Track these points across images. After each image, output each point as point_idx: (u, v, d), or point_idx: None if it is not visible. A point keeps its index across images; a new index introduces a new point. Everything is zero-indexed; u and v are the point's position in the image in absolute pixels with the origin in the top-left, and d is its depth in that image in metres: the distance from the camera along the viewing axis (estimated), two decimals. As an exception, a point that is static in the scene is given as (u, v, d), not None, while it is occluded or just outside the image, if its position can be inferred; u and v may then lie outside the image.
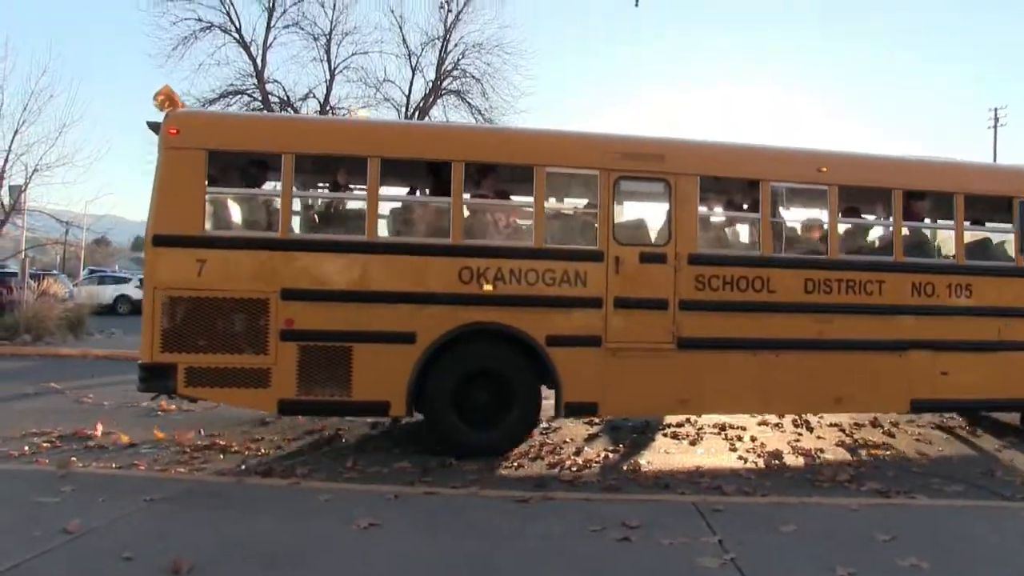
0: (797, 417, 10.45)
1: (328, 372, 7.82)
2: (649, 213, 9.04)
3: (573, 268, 8.28)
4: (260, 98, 20.49)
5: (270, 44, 20.73)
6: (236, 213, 8.38)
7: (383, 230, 8.36)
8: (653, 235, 8.84)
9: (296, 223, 8.59)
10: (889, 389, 8.90)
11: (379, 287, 8.00)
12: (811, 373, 8.73)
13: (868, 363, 8.82)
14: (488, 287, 8.10)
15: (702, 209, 8.92)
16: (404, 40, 21.60)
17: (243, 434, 8.94)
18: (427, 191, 8.98)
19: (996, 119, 51.95)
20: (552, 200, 8.91)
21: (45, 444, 8.10)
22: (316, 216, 8.90)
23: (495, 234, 8.62)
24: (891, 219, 9.21)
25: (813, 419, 10.51)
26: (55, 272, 34.33)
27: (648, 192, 8.86)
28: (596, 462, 8.00)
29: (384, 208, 8.44)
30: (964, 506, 6.48)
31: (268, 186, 8.68)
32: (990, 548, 5.26)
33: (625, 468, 7.75)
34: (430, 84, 21.42)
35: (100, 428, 8.78)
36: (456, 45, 21.41)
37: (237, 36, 20.51)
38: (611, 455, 8.36)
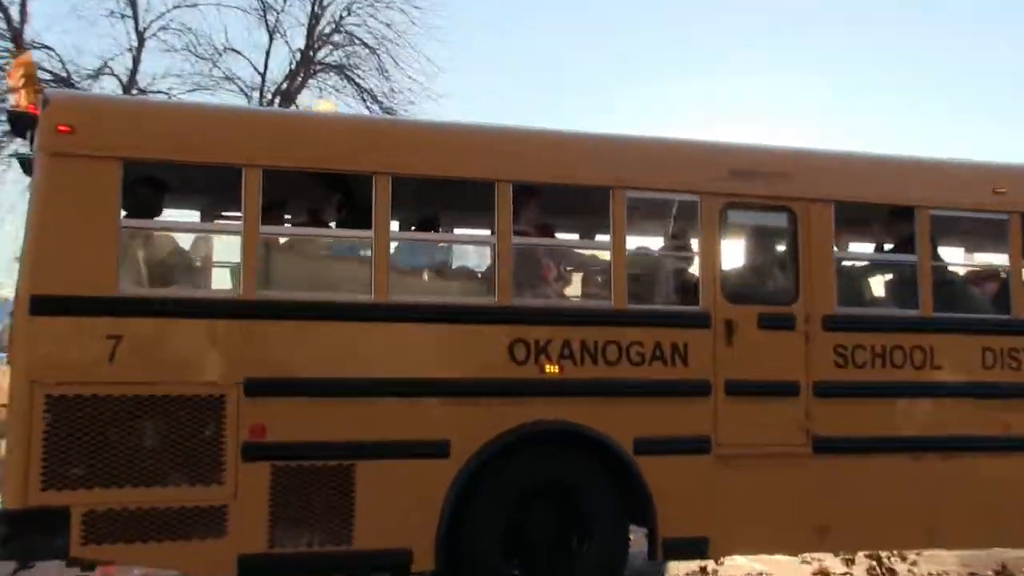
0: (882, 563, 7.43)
1: (318, 508, 5.26)
2: (765, 256, 6.72)
3: (669, 338, 5.86)
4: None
5: None
6: (166, 260, 5.70)
7: (395, 284, 5.67)
8: (772, 288, 6.53)
9: (266, 274, 5.65)
10: None
11: (394, 372, 5.45)
12: (996, 487, 6.29)
13: None
14: (552, 368, 5.64)
15: (837, 250, 6.56)
16: None
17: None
18: (446, 225, 6.74)
19: None
20: (633, 238, 6.35)
21: None
22: (294, 263, 6.02)
23: (547, 289, 6.20)
24: None
25: (901, 566, 7.33)
26: None
27: (765, 226, 6.53)
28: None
29: (395, 250, 5.89)
30: None
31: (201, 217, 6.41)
32: None
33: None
34: (298, 55, 15.33)
35: None
36: None
37: None
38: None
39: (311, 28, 15.16)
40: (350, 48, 15.61)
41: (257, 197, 5.29)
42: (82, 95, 5.52)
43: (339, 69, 15.64)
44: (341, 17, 15.17)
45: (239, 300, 5.32)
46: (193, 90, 15.62)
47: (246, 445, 5.18)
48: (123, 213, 5.25)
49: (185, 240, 5.93)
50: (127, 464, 5.02)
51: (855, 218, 6.82)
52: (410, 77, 15.45)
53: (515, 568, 5.72)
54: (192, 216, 6.11)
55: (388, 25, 15.21)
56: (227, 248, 5.77)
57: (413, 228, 6.68)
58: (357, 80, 15.51)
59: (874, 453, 6.21)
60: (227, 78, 15.53)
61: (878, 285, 7.14)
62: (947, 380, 6.33)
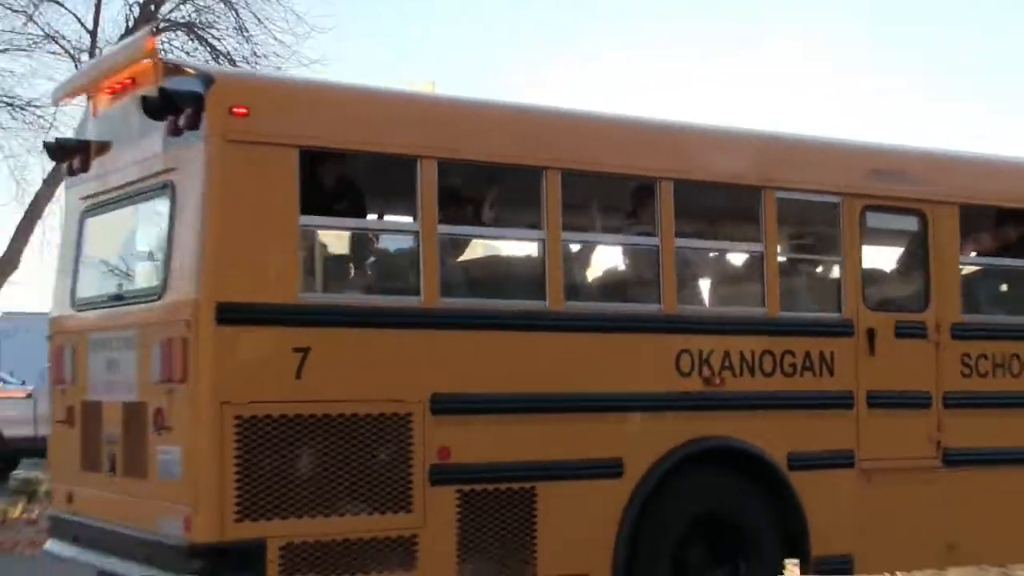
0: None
1: (501, 538, 5.00)
2: (899, 261, 6.75)
3: (817, 347, 5.79)
4: None
5: None
6: (343, 263, 5.49)
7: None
8: (906, 295, 6.55)
9: (437, 282, 5.16)
10: None
11: (575, 386, 5.24)
12: None
13: None
14: (717, 380, 5.55)
15: (962, 255, 6.67)
16: None
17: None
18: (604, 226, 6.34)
19: None
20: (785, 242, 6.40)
21: None
22: (470, 268, 5.74)
23: (705, 296, 6.28)
24: None
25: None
26: None
27: (898, 229, 6.51)
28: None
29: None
30: None
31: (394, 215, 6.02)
32: None
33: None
34: (136, 10, 13.05)
35: None
36: None
37: None
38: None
39: None
40: (201, 2, 13.65)
41: (434, 192, 4.92)
42: (250, 73, 4.64)
43: (188, 27, 13.54)
44: None
45: (424, 308, 4.92)
46: (3, 50, 13.57)
47: (433, 468, 4.85)
48: (301, 209, 4.73)
49: (367, 240, 5.58)
50: (319, 491, 4.64)
51: (975, 221, 6.85)
52: (276, 39, 13.40)
53: None
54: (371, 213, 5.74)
55: None
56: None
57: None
58: (211, 41, 13.44)
59: (1001, 466, 6.28)
60: (48, 36, 13.56)
61: (993, 290, 7.27)
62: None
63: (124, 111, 5.48)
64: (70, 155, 6.06)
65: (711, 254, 6.45)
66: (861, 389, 5.89)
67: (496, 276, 5.90)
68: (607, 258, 6.22)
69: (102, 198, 5.86)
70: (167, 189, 4.97)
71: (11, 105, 13.31)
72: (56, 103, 7.64)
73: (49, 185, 13.24)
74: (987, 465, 6.25)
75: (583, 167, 5.46)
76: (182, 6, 13.61)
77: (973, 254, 7.08)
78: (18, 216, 13.89)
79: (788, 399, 5.72)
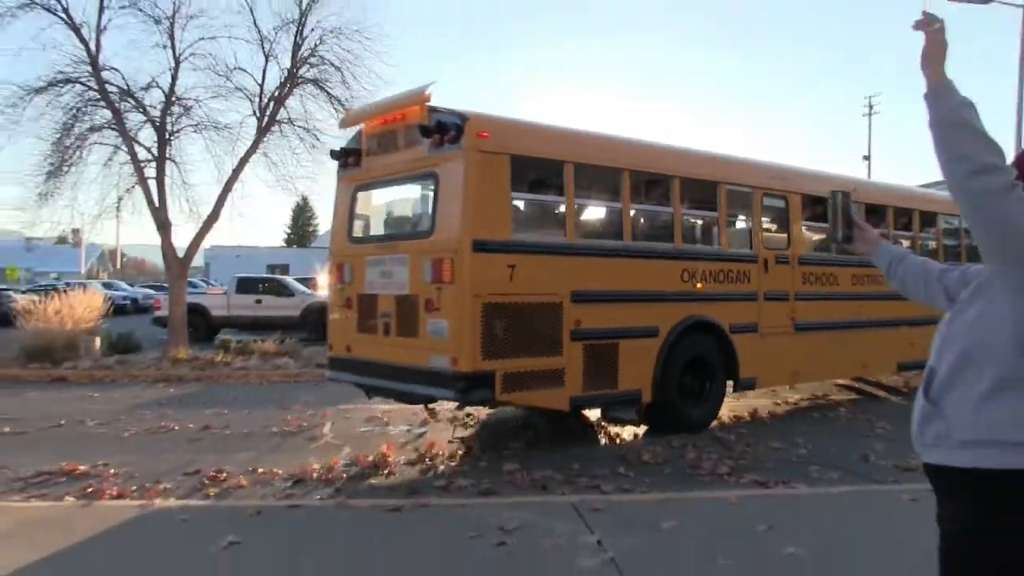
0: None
1: (603, 368, 8.57)
2: (775, 223, 11.49)
3: (742, 268, 10.43)
4: (96, 87, 18.49)
5: (104, 27, 18.55)
6: (530, 218, 8.84)
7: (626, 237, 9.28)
8: (780, 241, 11.05)
9: (583, 228, 9.22)
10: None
11: (637, 287, 9.04)
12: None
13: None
14: (699, 285, 9.85)
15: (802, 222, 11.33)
16: (255, 24, 19.55)
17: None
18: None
19: (871, 107, 53.79)
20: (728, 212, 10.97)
21: None
22: (588, 222, 9.58)
23: (693, 239, 10.82)
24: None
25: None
26: None
27: (775, 206, 11.27)
28: (471, 465, 7.95)
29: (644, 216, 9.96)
30: (841, 492, 6.70)
31: (547, 193, 9.13)
32: (867, 533, 5.40)
33: (501, 470, 7.59)
34: (286, 72, 19.46)
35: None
36: (312, 30, 19.47)
37: (65, 16, 18.16)
38: (486, 457, 8.28)
39: (295, 53, 19.21)
40: (322, 67, 19.51)
41: (572, 182, 8.66)
42: (486, 114, 8.34)
43: (314, 82, 19.55)
44: (315, 45, 19.34)
45: (568, 244, 8.62)
46: (213, 97, 19.59)
47: (572, 332, 8.30)
48: (511, 188, 8.20)
49: (536, 205, 9.17)
50: (519, 343, 7.95)
51: (808, 203, 11.28)
52: (364, 87, 19.21)
53: (684, 401, 9.45)
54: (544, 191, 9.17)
55: (348, 51, 19.30)
56: (555, 213, 9.14)
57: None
58: (327, 89, 19.48)
59: (821, 330, 10.94)
60: (237, 88, 19.44)
61: (812, 240, 11.75)
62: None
63: (393, 132, 8.94)
64: (347, 156, 9.66)
65: (697, 218, 10.49)
66: (761, 291, 10.20)
67: (599, 225, 9.62)
68: (649, 217, 9.94)
69: (369, 181, 9.58)
70: (432, 177, 8.39)
71: (215, 128, 19.45)
72: (342, 127, 10.24)
73: (236, 172, 19.15)
74: (814, 330, 10.73)
75: (640, 168, 9.39)
76: (311, 69, 19.40)
77: (807, 220, 11.16)
78: (217, 190, 19.45)
79: (730, 296, 9.93)
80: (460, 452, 8.54)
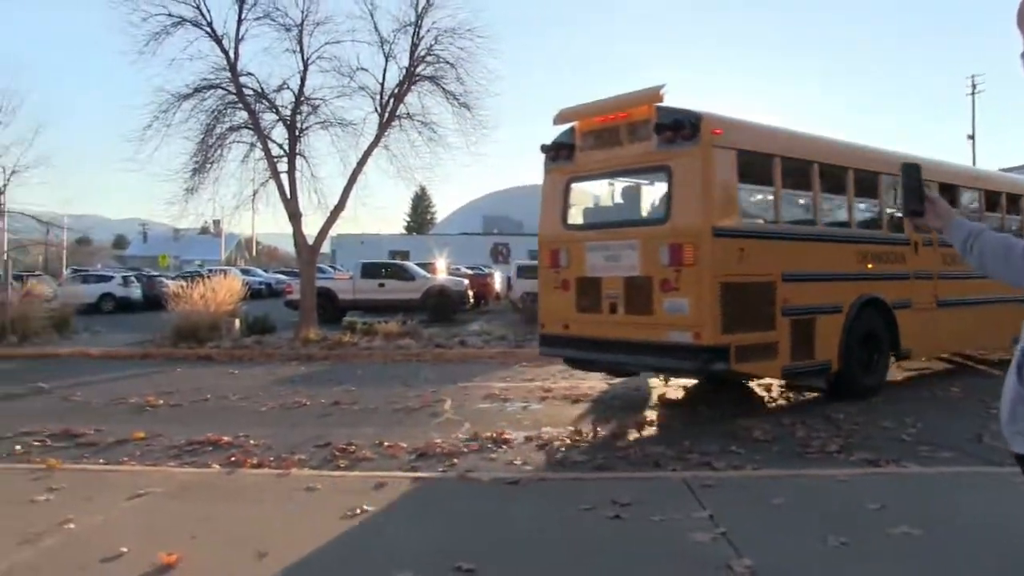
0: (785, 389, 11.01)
1: (805, 341, 9.32)
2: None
3: (899, 251, 11.18)
4: (235, 91, 20.02)
5: (242, 37, 20.03)
6: (748, 206, 9.62)
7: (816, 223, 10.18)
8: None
9: (781, 216, 9.80)
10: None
11: (828, 268, 9.83)
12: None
13: None
14: (870, 266, 10.86)
15: None
16: (376, 28, 20.54)
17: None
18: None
19: (974, 87, 51.61)
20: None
21: (36, 443, 8.32)
22: (791, 210, 10.21)
23: (866, 224, 11.42)
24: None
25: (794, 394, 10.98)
26: (38, 273, 33.99)
27: None
28: (587, 442, 8.12)
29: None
30: (955, 473, 6.53)
31: (761, 184, 9.73)
32: (981, 515, 5.27)
33: (614, 446, 7.82)
34: (404, 71, 20.53)
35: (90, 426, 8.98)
36: (428, 31, 20.45)
37: (209, 30, 19.79)
38: (600, 434, 8.46)
39: (412, 52, 20.21)
40: (438, 64, 20.50)
41: (779, 176, 9.48)
42: (715, 113, 9.09)
43: (431, 79, 20.56)
44: (431, 45, 20.28)
45: (778, 231, 9.50)
46: (338, 96, 20.94)
47: (782, 308, 9.09)
48: (739, 179, 9.02)
49: (754, 194, 9.90)
50: (746, 319, 8.72)
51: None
52: (477, 83, 20.33)
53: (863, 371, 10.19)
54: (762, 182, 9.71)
55: (462, 49, 20.21)
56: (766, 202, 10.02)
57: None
58: (443, 86, 20.49)
59: (962, 306, 11.60)
60: (360, 87, 20.71)
61: None
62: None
63: (615, 129, 9.63)
64: (559, 150, 10.36)
65: (864, 205, 10.94)
66: (912, 271, 10.98)
67: (798, 212, 10.26)
68: (832, 205, 10.56)
69: (584, 173, 10.34)
70: (664, 170, 9.10)
71: (340, 124, 20.85)
72: (556, 123, 10.62)
73: (360, 164, 20.34)
74: (952, 306, 11.36)
75: (826, 161, 10.11)
76: (427, 67, 20.40)
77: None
78: (342, 182, 20.66)
79: (891, 275, 10.65)
80: (576, 428, 8.74)
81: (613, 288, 9.37)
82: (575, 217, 10.51)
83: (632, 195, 10.46)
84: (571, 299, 9.92)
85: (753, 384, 11.17)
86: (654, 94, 9.01)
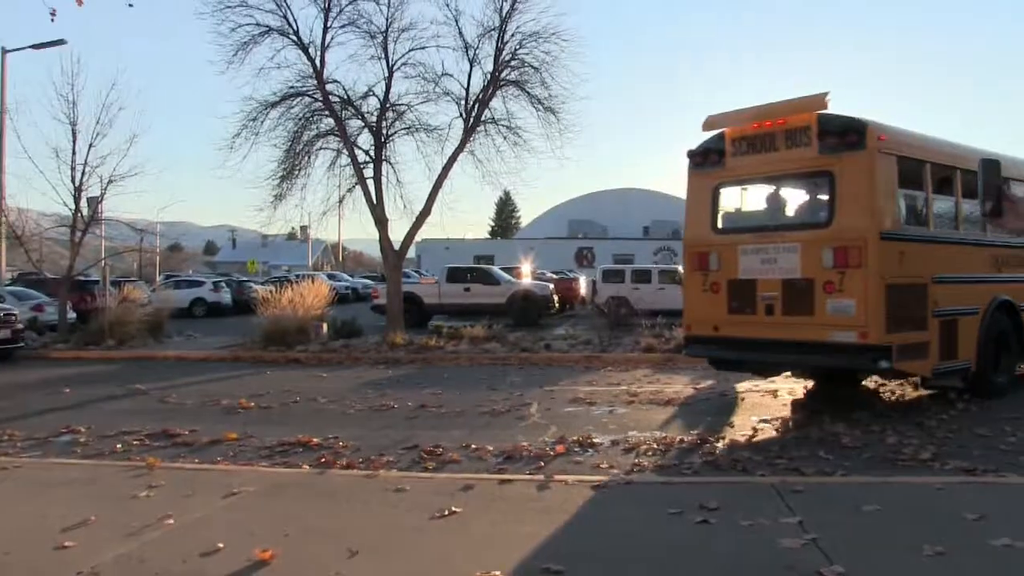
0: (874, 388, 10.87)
1: (951, 341, 9.45)
2: None
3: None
4: (321, 99, 20.40)
5: (328, 45, 20.45)
6: (904, 211, 9.61)
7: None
8: None
9: (932, 221, 9.97)
10: None
11: (968, 271, 9.99)
12: None
13: None
14: (1002, 271, 10.83)
15: None
16: (460, 33, 20.65)
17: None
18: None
19: None
20: None
21: (135, 442, 8.64)
22: (939, 215, 10.24)
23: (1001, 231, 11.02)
24: None
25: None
26: (133, 279, 35.28)
27: None
28: (673, 446, 8.01)
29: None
30: None
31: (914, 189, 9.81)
32: None
33: (701, 451, 7.75)
34: (489, 76, 20.58)
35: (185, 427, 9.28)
36: (513, 35, 20.46)
37: (295, 39, 20.21)
38: (687, 438, 8.34)
39: (497, 57, 20.31)
40: (522, 69, 20.63)
41: (929, 181, 9.70)
42: (877, 120, 9.28)
43: (516, 83, 20.71)
44: (515, 50, 20.35)
45: (931, 235, 9.66)
46: (423, 102, 21.25)
47: (933, 310, 9.24)
48: (898, 184, 9.22)
49: (912, 199, 9.74)
50: (906, 319, 8.93)
51: None
52: (562, 87, 20.38)
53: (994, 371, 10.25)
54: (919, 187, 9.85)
55: (546, 53, 20.23)
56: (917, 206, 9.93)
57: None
58: (528, 90, 20.63)
59: None
60: (444, 93, 21.00)
61: None
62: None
63: (771, 135, 9.74)
64: (707, 155, 10.46)
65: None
66: None
67: (944, 217, 10.22)
68: (969, 210, 10.34)
69: (735, 178, 10.43)
70: (827, 176, 9.27)
71: (426, 130, 21.25)
72: (706, 129, 10.63)
73: (445, 169, 20.66)
74: None
75: (965, 168, 9.96)
76: (512, 72, 20.53)
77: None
78: (428, 187, 21.02)
79: (1017, 278, 10.71)
80: (662, 432, 8.69)
81: (769, 290, 9.52)
82: (726, 221, 10.58)
83: (789, 199, 10.61)
84: (722, 301, 10.04)
85: (839, 389, 11.06)
86: (819, 101, 9.17)
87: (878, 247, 8.70)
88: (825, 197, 9.49)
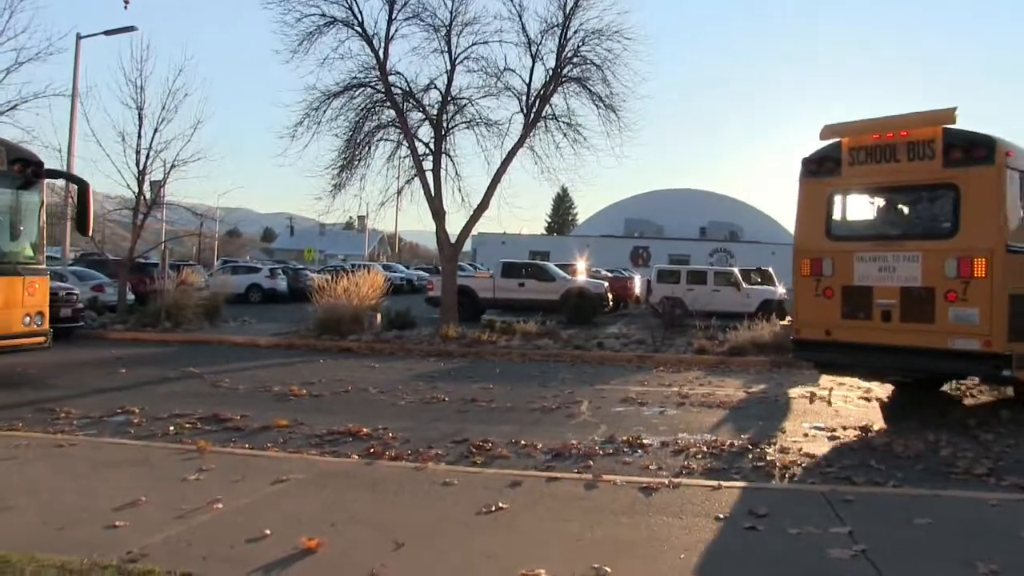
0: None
1: None
2: None
3: None
4: (383, 90, 20.53)
5: (391, 37, 20.54)
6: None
7: None
8: None
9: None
10: None
11: None
12: None
13: None
14: None
15: None
16: (523, 29, 20.65)
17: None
18: None
19: None
20: None
21: (187, 425, 8.73)
22: None
23: None
24: None
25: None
26: (192, 263, 35.70)
27: None
28: (723, 450, 7.91)
29: None
30: None
31: None
32: None
33: (750, 456, 7.64)
34: (550, 72, 20.62)
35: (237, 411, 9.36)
36: (576, 32, 20.44)
37: (359, 30, 20.35)
38: (737, 442, 8.24)
39: (559, 54, 20.30)
40: (584, 66, 20.60)
41: None
42: (1003, 138, 9.41)
43: (577, 80, 20.69)
44: (578, 47, 20.35)
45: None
46: (484, 96, 21.36)
47: None
48: (1021, 198, 9.33)
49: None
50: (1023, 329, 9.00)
51: None
52: (623, 85, 20.38)
53: None
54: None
55: (608, 51, 20.22)
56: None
57: None
58: (589, 87, 20.63)
59: None
60: (506, 88, 21.08)
61: None
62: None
63: (891, 146, 9.85)
64: (822, 163, 10.57)
65: None
66: None
67: None
68: None
69: (850, 186, 10.51)
70: (951, 188, 9.39)
71: (486, 124, 21.30)
72: (823, 138, 10.70)
73: (504, 164, 20.79)
74: None
75: None
76: (574, 69, 20.53)
77: None
78: (486, 181, 21.16)
79: None
80: (713, 435, 8.60)
81: (887, 297, 9.69)
82: (840, 228, 10.63)
83: (908, 209, 10.66)
84: (835, 306, 10.17)
85: (890, 398, 11.07)
86: (947, 115, 9.33)
87: (1003, 259, 8.88)
88: (948, 209, 9.58)
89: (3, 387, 11.13)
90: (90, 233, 13.24)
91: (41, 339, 11.91)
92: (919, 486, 6.49)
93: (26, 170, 11.79)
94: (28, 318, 11.60)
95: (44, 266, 12.42)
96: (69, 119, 24.63)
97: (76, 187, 12.96)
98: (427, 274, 42.36)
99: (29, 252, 12.00)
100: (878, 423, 9.43)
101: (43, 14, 45.22)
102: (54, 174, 13.52)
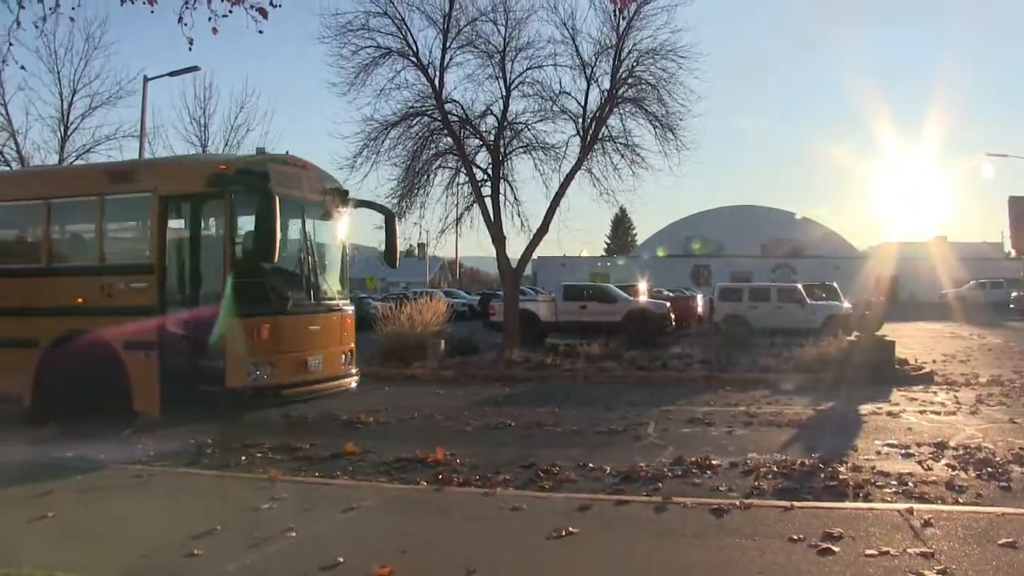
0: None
1: None
2: None
3: None
4: (440, 118, 20.65)
5: (447, 65, 20.71)
6: None
7: None
8: None
9: None
10: None
11: None
12: None
13: None
14: None
15: None
16: (577, 52, 20.65)
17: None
18: None
19: None
20: None
21: (259, 455, 8.84)
22: None
23: None
24: None
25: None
26: None
27: None
28: (794, 469, 7.73)
29: None
30: None
31: None
32: None
33: (822, 475, 7.43)
34: (605, 93, 20.56)
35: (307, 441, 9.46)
36: (629, 53, 20.35)
37: (415, 60, 20.56)
38: (808, 461, 8.02)
39: (613, 75, 20.24)
40: (639, 87, 20.62)
41: None
42: None
43: (633, 101, 20.72)
44: (632, 67, 20.32)
45: None
46: (540, 120, 21.32)
47: None
48: None
49: None
50: None
51: None
52: (680, 103, 20.23)
53: None
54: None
55: (663, 70, 20.13)
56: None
57: None
58: (645, 107, 20.59)
59: None
60: (562, 111, 21.04)
61: None
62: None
63: None
64: None
65: None
66: None
67: None
68: None
69: None
70: None
71: (543, 148, 21.26)
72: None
73: (563, 187, 20.51)
74: None
75: None
76: (629, 89, 20.55)
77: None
78: (544, 205, 21.07)
79: None
80: (783, 455, 8.46)
81: None
82: None
83: None
84: None
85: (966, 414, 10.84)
86: None
87: None
88: None
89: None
90: (397, 265, 12.77)
91: (354, 379, 11.27)
92: (1003, 505, 6.28)
93: (337, 199, 11.33)
94: (345, 356, 11.10)
95: (349, 301, 11.88)
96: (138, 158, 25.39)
97: (384, 216, 12.49)
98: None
99: (339, 286, 11.48)
100: (954, 439, 9.17)
101: (113, 60, 46.80)
102: (360, 203, 12.55)
